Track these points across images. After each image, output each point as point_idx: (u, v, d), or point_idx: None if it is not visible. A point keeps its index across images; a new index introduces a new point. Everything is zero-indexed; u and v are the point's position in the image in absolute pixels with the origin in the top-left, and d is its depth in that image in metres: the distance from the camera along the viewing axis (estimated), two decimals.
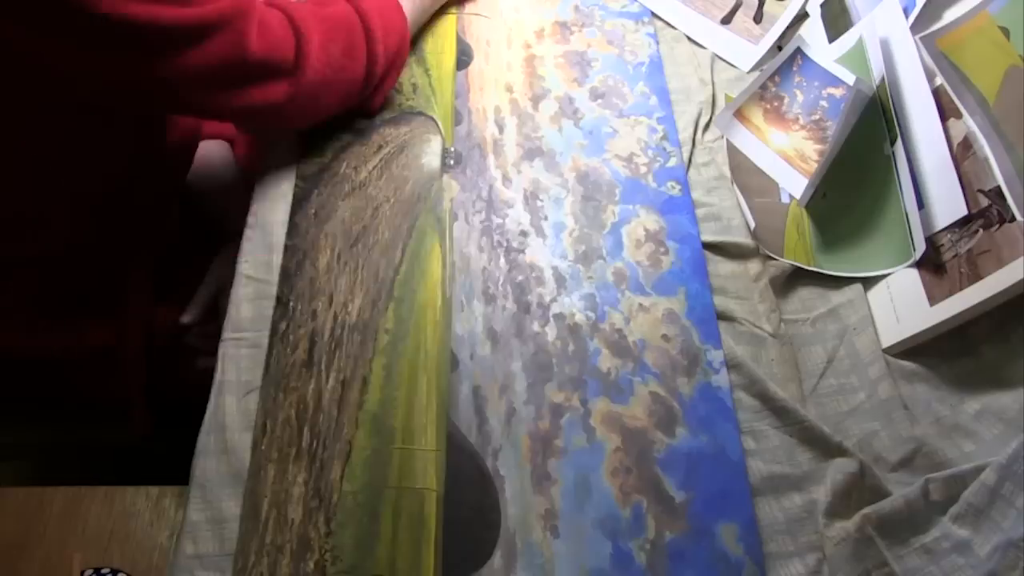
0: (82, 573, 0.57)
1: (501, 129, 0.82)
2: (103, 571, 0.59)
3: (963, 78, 0.66)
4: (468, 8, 0.92)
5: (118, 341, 0.77)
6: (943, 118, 0.67)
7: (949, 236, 0.65)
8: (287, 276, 0.67)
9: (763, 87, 0.79)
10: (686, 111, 0.84)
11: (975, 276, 0.60)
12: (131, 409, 0.79)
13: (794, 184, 0.77)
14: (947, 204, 0.65)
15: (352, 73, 0.70)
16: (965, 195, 0.63)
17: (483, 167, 0.78)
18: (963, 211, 0.63)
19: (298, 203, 0.72)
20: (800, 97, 0.77)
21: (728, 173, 0.79)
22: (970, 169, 0.64)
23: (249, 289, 0.67)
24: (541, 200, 0.76)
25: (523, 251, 0.72)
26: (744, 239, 0.74)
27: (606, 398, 0.64)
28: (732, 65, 0.90)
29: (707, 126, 0.84)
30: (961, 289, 0.61)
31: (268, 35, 0.62)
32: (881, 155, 0.71)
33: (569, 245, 0.73)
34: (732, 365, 0.66)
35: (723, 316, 0.69)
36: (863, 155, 0.73)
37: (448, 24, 0.88)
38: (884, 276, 0.70)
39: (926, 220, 0.67)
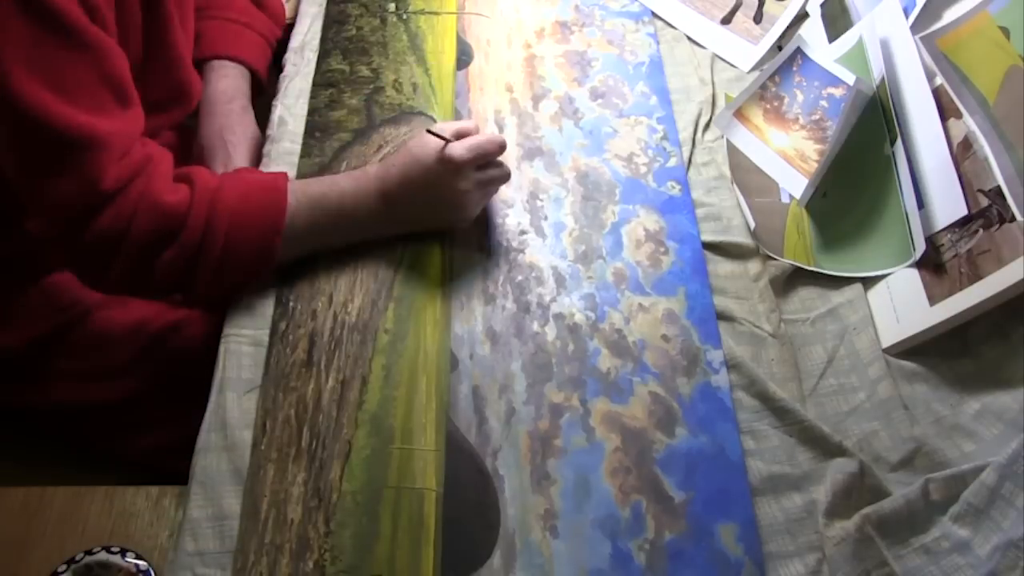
0: (73, 559, 0.57)
1: (501, 129, 0.82)
2: (94, 550, 0.58)
3: (963, 78, 0.66)
4: (468, 8, 0.92)
5: None
6: (943, 118, 0.66)
7: (949, 236, 0.65)
8: (287, 276, 0.67)
9: (763, 87, 0.79)
10: (686, 111, 0.84)
11: (975, 276, 0.60)
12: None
13: (794, 184, 0.77)
14: (947, 204, 0.65)
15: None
16: (965, 195, 0.63)
17: None
18: (963, 211, 0.63)
19: None
20: (800, 97, 0.77)
21: (728, 173, 0.79)
22: (970, 169, 0.64)
23: (250, 284, 0.67)
24: (541, 200, 0.76)
25: (523, 251, 0.72)
26: (744, 239, 0.74)
27: (606, 398, 0.64)
28: (732, 65, 0.90)
29: (707, 126, 0.84)
30: (961, 289, 0.61)
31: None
32: (881, 155, 0.71)
33: (569, 245, 0.73)
34: (732, 365, 0.66)
35: (723, 316, 0.69)
36: (863, 155, 0.73)
37: (448, 24, 0.88)
38: (884, 276, 0.70)
39: (926, 220, 0.67)
